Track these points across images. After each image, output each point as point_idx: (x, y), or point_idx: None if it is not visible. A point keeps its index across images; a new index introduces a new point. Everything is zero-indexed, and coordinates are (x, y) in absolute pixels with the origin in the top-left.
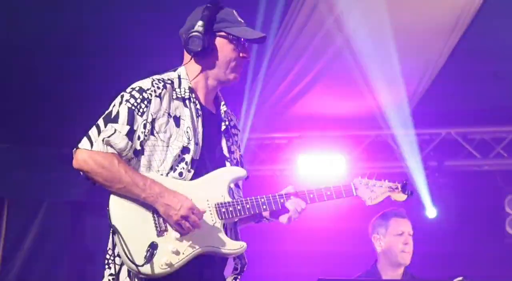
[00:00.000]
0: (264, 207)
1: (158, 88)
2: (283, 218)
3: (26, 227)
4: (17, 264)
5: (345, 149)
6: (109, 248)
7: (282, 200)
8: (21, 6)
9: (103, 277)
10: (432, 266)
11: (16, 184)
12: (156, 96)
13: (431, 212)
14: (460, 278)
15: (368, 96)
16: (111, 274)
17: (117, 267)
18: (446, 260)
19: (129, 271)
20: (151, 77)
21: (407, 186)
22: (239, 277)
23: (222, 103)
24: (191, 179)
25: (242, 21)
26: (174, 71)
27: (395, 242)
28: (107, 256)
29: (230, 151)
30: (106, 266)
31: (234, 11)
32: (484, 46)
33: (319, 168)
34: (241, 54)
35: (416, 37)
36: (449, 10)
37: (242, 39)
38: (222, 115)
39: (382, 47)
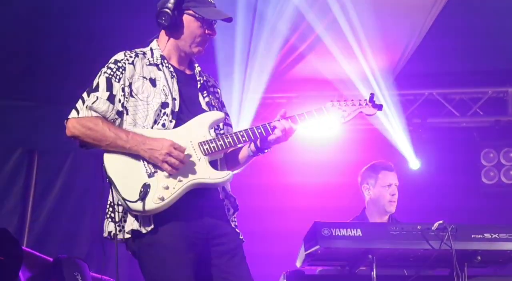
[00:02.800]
0: (244, 138)
1: (131, 57)
2: (273, 137)
3: (53, 177)
4: (46, 209)
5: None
6: (110, 202)
7: (259, 130)
8: None
9: (103, 230)
10: (414, 213)
11: (44, 138)
12: (129, 63)
13: (414, 164)
14: (441, 221)
15: (360, 60)
16: (115, 222)
17: (120, 215)
18: (427, 207)
19: (135, 216)
20: (123, 51)
21: (374, 98)
22: (235, 215)
23: (196, 65)
24: (174, 128)
25: (212, 2)
26: (147, 45)
27: (383, 192)
28: (110, 210)
29: (209, 105)
30: (109, 220)
31: None
32: (466, 13)
33: (315, 125)
34: (206, 31)
35: (402, 6)
36: None
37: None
38: (197, 76)
39: (372, 16)
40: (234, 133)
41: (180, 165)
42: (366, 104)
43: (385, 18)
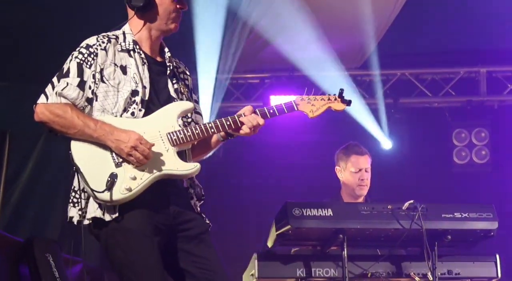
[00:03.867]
0: (212, 130)
1: (103, 42)
2: (241, 132)
3: (26, 158)
4: (18, 190)
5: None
6: (74, 187)
7: (228, 123)
8: None
9: (66, 217)
10: (386, 193)
11: (16, 118)
12: (101, 49)
13: (386, 144)
14: (411, 201)
15: (331, 41)
16: (79, 209)
17: (83, 202)
18: (399, 187)
19: (99, 203)
20: (96, 35)
21: (344, 95)
22: (199, 204)
23: (166, 50)
24: (143, 117)
25: None
26: (119, 28)
27: (352, 177)
28: (73, 195)
29: (178, 92)
30: (71, 205)
31: None
32: None
33: (289, 101)
34: (178, 6)
35: None
36: None
37: None
38: (167, 61)
39: None
40: (203, 124)
41: (145, 160)
42: (335, 99)
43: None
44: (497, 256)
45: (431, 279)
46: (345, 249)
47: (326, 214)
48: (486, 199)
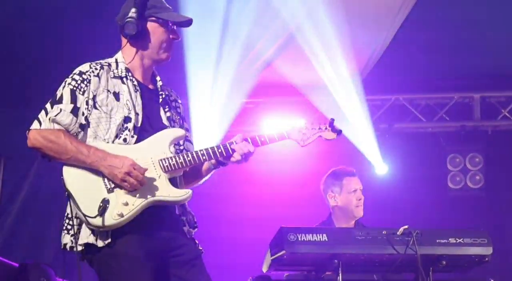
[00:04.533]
0: (204, 158)
1: (96, 69)
2: (232, 160)
3: (20, 182)
4: (13, 214)
5: (304, 113)
6: (67, 214)
7: (219, 150)
8: None
9: (61, 243)
10: (380, 218)
11: (11, 144)
12: (94, 75)
13: (381, 169)
14: (406, 226)
15: (326, 65)
16: (72, 235)
17: (76, 228)
18: (394, 212)
19: (92, 229)
20: (89, 62)
21: (334, 124)
22: (193, 232)
23: (158, 79)
24: (135, 144)
25: (170, 7)
26: (111, 57)
27: (350, 198)
28: (67, 222)
29: (170, 120)
30: (65, 232)
31: None
32: (431, 21)
33: (280, 130)
34: (171, 36)
35: (368, 12)
36: None
37: (170, 23)
38: (159, 90)
39: (338, 22)
40: (194, 151)
41: (138, 186)
42: (326, 128)
43: (352, 23)
44: None
45: None
46: (340, 275)
47: (321, 239)
48: (480, 224)
